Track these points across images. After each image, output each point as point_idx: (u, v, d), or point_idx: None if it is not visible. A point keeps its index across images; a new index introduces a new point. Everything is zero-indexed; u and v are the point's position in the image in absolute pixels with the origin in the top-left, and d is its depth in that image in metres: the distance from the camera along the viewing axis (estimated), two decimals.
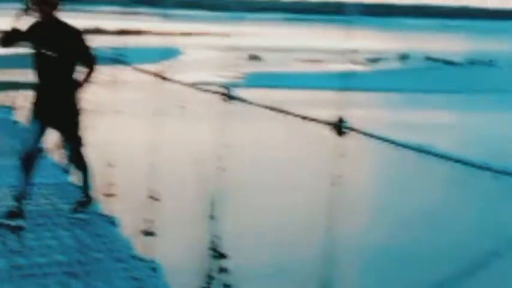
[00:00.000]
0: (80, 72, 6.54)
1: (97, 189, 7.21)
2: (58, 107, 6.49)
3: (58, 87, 6.46)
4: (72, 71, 6.49)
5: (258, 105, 5.43)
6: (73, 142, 6.70)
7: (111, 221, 6.87)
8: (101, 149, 9.11)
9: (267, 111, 5.20)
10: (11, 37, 6.47)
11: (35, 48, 6.41)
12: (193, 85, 7.79)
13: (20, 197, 6.52)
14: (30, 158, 6.47)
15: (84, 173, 6.92)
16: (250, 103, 5.43)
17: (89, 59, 6.53)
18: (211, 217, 5.84)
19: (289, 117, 5.01)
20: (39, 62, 6.42)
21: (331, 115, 4.26)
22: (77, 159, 6.80)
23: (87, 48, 6.52)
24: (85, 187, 6.96)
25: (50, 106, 6.48)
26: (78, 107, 6.62)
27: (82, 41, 6.48)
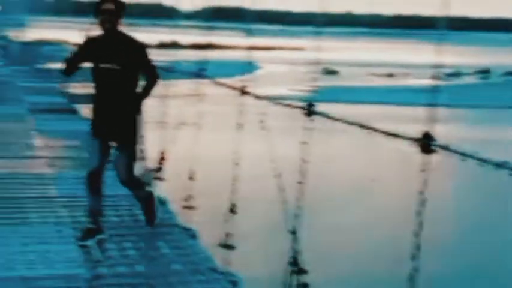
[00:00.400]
0: (141, 87, 6.50)
1: (177, 201, 7.28)
2: (118, 120, 6.36)
3: (119, 101, 6.32)
4: (134, 84, 6.39)
5: (340, 120, 5.39)
6: (127, 156, 6.45)
7: (190, 234, 6.92)
8: (182, 162, 9.22)
9: (348, 126, 5.16)
10: (72, 64, 6.42)
11: (95, 62, 6.29)
12: (272, 99, 7.80)
13: (93, 214, 6.57)
14: (96, 177, 6.45)
15: (137, 191, 6.82)
16: (332, 118, 5.39)
17: (151, 73, 6.44)
18: (291, 231, 5.82)
19: (369, 132, 4.95)
20: (99, 76, 6.30)
21: (414, 131, 4.18)
22: (129, 178, 6.58)
23: (149, 61, 6.43)
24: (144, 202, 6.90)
25: (109, 120, 6.37)
26: (138, 120, 6.49)
27: (145, 54, 6.40)
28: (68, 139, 12.01)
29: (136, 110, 6.44)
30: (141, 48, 6.38)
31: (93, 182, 6.44)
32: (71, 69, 6.43)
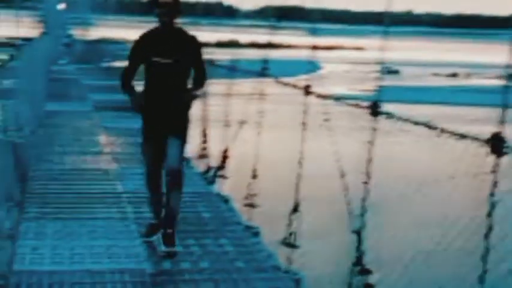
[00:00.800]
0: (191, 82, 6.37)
1: (240, 199, 7.30)
2: (171, 112, 6.23)
3: (171, 94, 6.17)
4: (186, 79, 6.28)
5: (407, 120, 5.34)
6: (179, 145, 6.22)
7: (253, 232, 6.95)
8: (245, 161, 9.25)
9: (413, 126, 5.10)
10: (128, 79, 6.29)
11: (150, 56, 6.12)
12: (335, 98, 7.77)
13: (156, 211, 6.61)
14: (155, 174, 6.40)
15: (177, 193, 6.28)
16: (399, 118, 5.34)
17: (202, 70, 6.33)
18: (355, 231, 5.79)
19: (436, 132, 4.89)
20: (153, 69, 6.15)
21: (483, 132, 4.11)
22: (180, 168, 6.22)
23: (202, 59, 6.34)
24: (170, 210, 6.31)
25: (162, 112, 6.24)
26: (189, 114, 6.35)
27: (200, 51, 6.30)
28: (132, 136, 12.19)
29: (188, 103, 6.29)
30: (196, 44, 6.26)
31: (152, 179, 6.46)
32: (129, 84, 6.27)
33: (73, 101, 17.25)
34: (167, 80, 6.13)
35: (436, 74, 46.45)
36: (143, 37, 6.21)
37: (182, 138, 6.26)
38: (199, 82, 6.34)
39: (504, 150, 3.68)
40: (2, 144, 7.25)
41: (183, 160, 6.46)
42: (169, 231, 6.22)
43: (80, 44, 36.23)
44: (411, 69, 47.54)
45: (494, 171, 3.73)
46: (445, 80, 42.97)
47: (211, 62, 10.58)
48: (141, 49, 6.17)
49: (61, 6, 45.99)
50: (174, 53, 6.08)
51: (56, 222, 7.01)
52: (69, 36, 40.08)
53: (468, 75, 46.05)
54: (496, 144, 3.74)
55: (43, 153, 10.37)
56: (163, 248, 6.14)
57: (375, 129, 5.43)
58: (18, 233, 6.64)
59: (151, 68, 6.15)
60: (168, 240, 6.18)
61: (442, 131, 4.69)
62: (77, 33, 40.14)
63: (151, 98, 6.20)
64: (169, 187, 6.22)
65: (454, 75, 47.35)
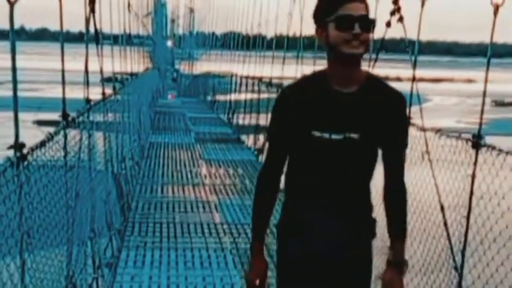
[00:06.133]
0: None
1: None
2: (346, 244, 3.08)
3: (348, 201, 3.06)
4: (371, 172, 3.12)
5: (509, 153, 5.15)
6: None
7: None
8: None
9: None
10: (268, 194, 3.17)
11: (307, 129, 2.99)
12: (437, 131, 7.60)
13: None
14: None
15: None
16: (501, 151, 5.15)
17: (399, 170, 3.14)
18: (456, 268, 5.59)
19: None
20: (314, 153, 3.01)
21: None
22: None
23: (405, 141, 3.15)
24: None
25: (330, 243, 3.07)
26: (371, 251, 3.17)
27: (404, 117, 3.14)
28: (232, 167, 12.31)
29: (372, 229, 3.17)
30: (399, 105, 3.05)
31: None
32: (266, 212, 3.20)
33: (177, 133, 17.62)
34: (338, 175, 3.02)
35: None
36: (297, 92, 3.04)
37: None
38: (398, 201, 3.14)
39: None
40: (105, 175, 7.46)
41: None
42: None
43: (184, 78, 37.12)
44: None
45: None
46: None
47: None
48: (293, 116, 3.00)
49: (170, 43, 47.35)
50: (358, 122, 2.98)
51: (155, 252, 7.13)
52: (176, 70, 41.19)
53: None
54: None
55: (145, 184, 10.60)
56: None
57: (476, 163, 5.24)
58: (118, 261, 6.78)
59: (307, 151, 3.02)
60: None
61: None
62: (182, 67, 41.19)
63: (301, 210, 3.09)
64: None
65: None
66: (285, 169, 3.15)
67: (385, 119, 3.00)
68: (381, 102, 3.00)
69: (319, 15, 2.98)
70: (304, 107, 2.99)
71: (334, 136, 2.96)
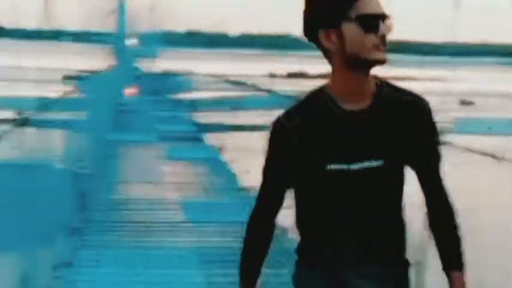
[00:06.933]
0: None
1: None
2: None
3: (373, 244, 2.46)
4: (400, 203, 2.53)
5: (470, 151, 5.17)
6: None
7: None
8: None
9: (482, 157, 4.93)
10: (261, 232, 2.60)
11: (321, 163, 2.40)
12: None
13: None
14: None
15: None
16: (460, 148, 5.18)
17: (442, 191, 2.50)
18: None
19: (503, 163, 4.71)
20: (330, 186, 2.42)
21: None
22: None
23: (439, 155, 2.50)
24: None
25: None
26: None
27: (435, 132, 2.50)
28: (194, 166, 12.24)
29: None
30: (424, 112, 2.46)
31: None
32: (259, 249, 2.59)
33: (138, 131, 17.45)
34: (360, 211, 2.43)
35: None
36: (299, 122, 2.43)
37: None
38: (449, 225, 2.52)
39: None
40: (63, 173, 7.35)
41: None
42: None
43: (146, 76, 36.90)
44: (487, 100, 46.64)
45: None
46: None
47: None
48: (295, 152, 2.42)
49: (132, 41, 47.06)
50: (380, 145, 2.41)
51: (115, 251, 7.03)
52: (137, 69, 40.92)
53: None
54: None
55: (105, 183, 10.47)
56: None
57: None
58: (77, 260, 6.67)
59: (321, 189, 2.44)
60: None
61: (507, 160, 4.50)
62: (144, 65, 40.94)
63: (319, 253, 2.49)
64: None
65: None
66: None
67: (411, 134, 2.41)
68: (402, 114, 2.41)
69: (328, 14, 2.33)
70: (311, 138, 2.39)
71: (353, 167, 2.38)
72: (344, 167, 2.37)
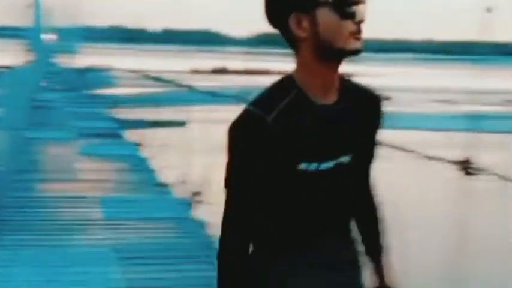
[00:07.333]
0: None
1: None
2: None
3: (340, 239, 2.37)
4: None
5: (387, 145, 5.30)
6: None
7: None
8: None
9: (395, 151, 5.06)
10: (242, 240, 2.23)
11: (294, 162, 2.17)
12: None
13: None
14: None
15: None
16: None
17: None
18: None
19: (416, 157, 4.86)
20: (303, 187, 2.21)
21: (461, 156, 4.07)
22: None
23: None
24: None
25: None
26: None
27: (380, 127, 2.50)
28: (112, 162, 12.11)
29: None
30: (381, 108, 2.42)
31: None
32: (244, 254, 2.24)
33: (55, 128, 17.13)
34: (331, 208, 2.30)
35: (429, 100, 46.60)
36: (271, 115, 2.13)
37: None
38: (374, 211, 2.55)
39: (471, 171, 3.63)
40: None
41: None
42: None
43: (65, 72, 36.24)
44: (404, 95, 47.66)
45: (463, 192, 3.68)
46: (438, 105, 43.15)
47: None
48: (271, 149, 2.13)
49: (51, 36, 46.07)
50: (349, 141, 2.30)
51: (31, 250, 6.90)
52: (55, 64, 40.14)
53: (462, 102, 46.27)
54: (464, 165, 3.69)
55: (20, 181, 10.25)
56: None
57: None
58: None
59: (295, 189, 2.22)
60: None
61: (420, 155, 4.65)
62: (63, 61, 40.20)
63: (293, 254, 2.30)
64: None
65: (447, 101, 47.55)
66: None
67: (369, 129, 2.35)
68: (363, 109, 2.30)
69: None
70: (289, 134, 2.13)
71: (328, 164, 2.20)
72: (320, 164, 2.19)
